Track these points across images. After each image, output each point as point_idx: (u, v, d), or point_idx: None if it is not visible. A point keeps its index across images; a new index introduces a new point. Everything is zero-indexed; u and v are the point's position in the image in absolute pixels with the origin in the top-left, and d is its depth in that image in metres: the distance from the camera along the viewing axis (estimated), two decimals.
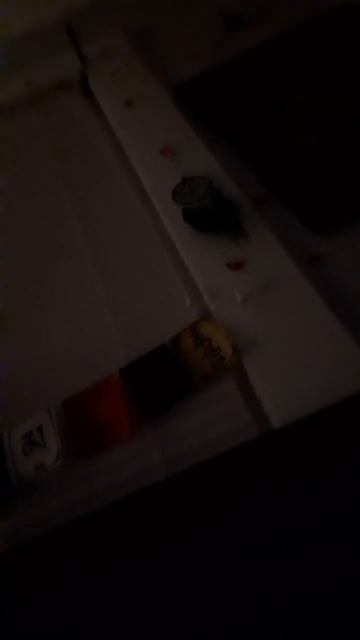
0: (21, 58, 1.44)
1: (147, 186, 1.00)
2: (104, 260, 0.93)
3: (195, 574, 0.60)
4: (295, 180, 0.91)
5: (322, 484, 0.62)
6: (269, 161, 0.96)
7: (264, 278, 0.77)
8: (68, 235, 1.00)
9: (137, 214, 0.98)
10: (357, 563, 0.57)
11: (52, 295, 0.91)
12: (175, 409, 0.69)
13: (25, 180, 1.17)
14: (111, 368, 0.74)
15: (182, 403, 0.69)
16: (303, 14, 1.25)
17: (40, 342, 0.85)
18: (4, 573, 0.62)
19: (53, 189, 1.10)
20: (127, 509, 0.64)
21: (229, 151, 1.00)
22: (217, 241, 0.84)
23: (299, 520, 0.61)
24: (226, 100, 1.14)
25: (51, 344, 0.84)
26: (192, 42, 1.34)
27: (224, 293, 0.77)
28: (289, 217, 0.85)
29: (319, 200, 0.87)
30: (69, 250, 0.98)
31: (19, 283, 0.96)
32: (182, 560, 0.61)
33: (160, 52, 1.35)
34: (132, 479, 0.65)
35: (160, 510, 0.65)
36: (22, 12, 1.54)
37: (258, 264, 0.79)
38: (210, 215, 0.87)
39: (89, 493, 0.65)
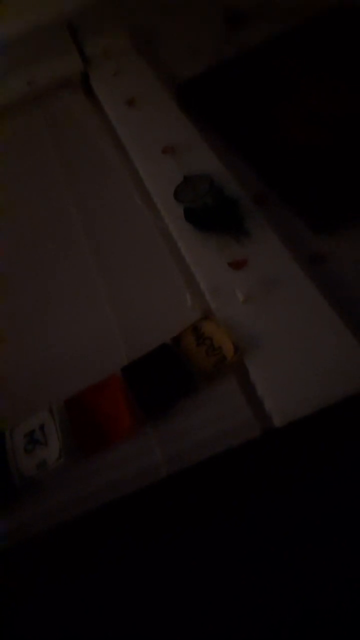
0: (23, 57, 1.44)
1: (149, 185, 1.00)
2: (105, 259, 0.94)
3: (197, 570, 0.60)
4: (297, 180, 0.91)
5: (323, 482, 0.62)
6: (271, 161, 0.96)
7: (266, 276, 0.77)
8: (69, 234, 1.00)
9: (139, 212, 0.98)
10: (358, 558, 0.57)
11: (54, 294, 0.92)
12: (176, 407, 0.69)
13: (27, 179, 1.17)
14: (113, 367, 0.74)
15: (183, 402, 0.69)
16: (304, 10, 1.25)
17: (43, 341, 0.85)
18: (6, 569, 0.63)
19: (55, 188, 1.11)
20: (129, 507, 0.65)
21: (230, 150, 1.00)
22: (219, 240, 0.84)
23: (301, 517, 0.61)
24: (228, 99, 1.13)
25: (53, 343, 0.84)
26: (194, 40, 1.33)
27: (225, 292, 0.77)
28: (290, 216, 0.85)
29: (321, 200, 0.86)
30: (71, 249, 0.98)
31: (21, 282, 0.96)
32: (184, 557, 0.62)
33: (162, 51, 1.35)
34: (134, 477, 0.65)
35: (162, 508, 0.65)
36: (23, 11, 1.54)
37: (260, 263, 0.79)
38: (212, 213, 0.87)
39: (91, 491, 0.66)
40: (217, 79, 1.20)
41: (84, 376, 0.74)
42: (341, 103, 1.02)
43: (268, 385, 0.67)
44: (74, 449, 0.68)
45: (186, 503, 0.66)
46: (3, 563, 0.63)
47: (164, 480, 0.64)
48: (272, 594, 0.59)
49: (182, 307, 0.79)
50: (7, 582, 0.62)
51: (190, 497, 0.66)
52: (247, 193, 0.89)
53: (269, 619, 0.58)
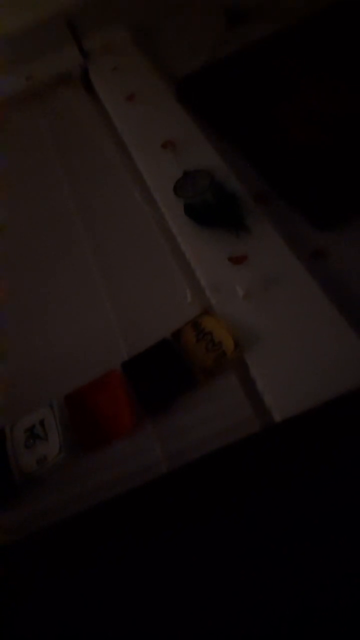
0: (22, 52, 1.44)
1: (149, 180, 1.00)
2: (105, 255, 0.93)
3: (197, 566, 0.60)
4: (297, 179, 0.91)
5: (323, 479, 0.62)
6: (271, 161, 0.96)
7: (266, 272, 0.77)
8: (70, 230, 1.00)
9: (139, 208, 0.98)
10: (358, 555, 0.57)
11: (54, 290, 0.91)
12: (177, 403, 0.69)
13: (27, 174, 1.17)
14: (113, 362, 0.74)
15: (183, 397, 0.69)
16: (304, 7, 1.25)
17: (43, 337, 0.84)
18: (6, 565, 0.62)
19: (54, 183, 1.10)
20: (129, 504, 0.64)
21: (230, 148, 1.00)
22: (219, 235, 0.84)
23: (301, 514, 0.61)
24: (227, 95, 1.13)
25: (54, 339, 0.83)
26: (194, 36, 1.33)
27: (225, 287, 0.77)
28: (291, 212, 0.85)
29: (322, 197, 0.86)
30: (70, 245, 0.97)
31: (22, 278, 0.95)
32: (183, 553, 0.61)
33: (162, 46, 1.34)
34: (134, 474, 0.65)
35: (162, 504, 0.64)
36: (23, 6, 1.53)
37: (260, 258, 0.79)
38: (212, 209, 0.87)
39: (91, 487, 0.65)
40: (217, 76, 1.20)
41: (84, 372, 0.74)
42: (341, 103, 1.02)
43: (268, 381, 0.67)
44: (75, 445, 0.68)
45: (186, 499, 0.65)
46: (3, 558, 0.62)
47: (164, 476, 0.64)
48: (271, 590, 0.58)
49: (182, 302, 0.79)
50: (6, 577, 0.62)
51: (190, 494, 0.65)
52: (247, 189, 0.89)
53: (269, 615, 0.58)
